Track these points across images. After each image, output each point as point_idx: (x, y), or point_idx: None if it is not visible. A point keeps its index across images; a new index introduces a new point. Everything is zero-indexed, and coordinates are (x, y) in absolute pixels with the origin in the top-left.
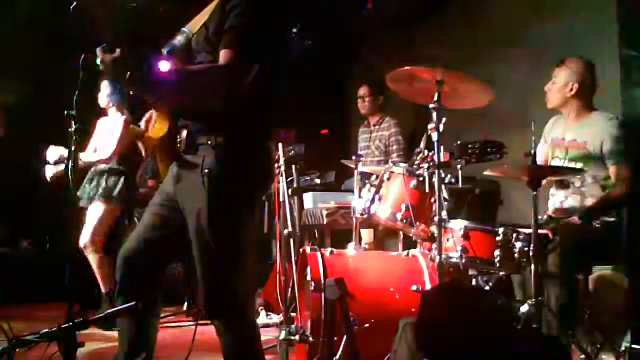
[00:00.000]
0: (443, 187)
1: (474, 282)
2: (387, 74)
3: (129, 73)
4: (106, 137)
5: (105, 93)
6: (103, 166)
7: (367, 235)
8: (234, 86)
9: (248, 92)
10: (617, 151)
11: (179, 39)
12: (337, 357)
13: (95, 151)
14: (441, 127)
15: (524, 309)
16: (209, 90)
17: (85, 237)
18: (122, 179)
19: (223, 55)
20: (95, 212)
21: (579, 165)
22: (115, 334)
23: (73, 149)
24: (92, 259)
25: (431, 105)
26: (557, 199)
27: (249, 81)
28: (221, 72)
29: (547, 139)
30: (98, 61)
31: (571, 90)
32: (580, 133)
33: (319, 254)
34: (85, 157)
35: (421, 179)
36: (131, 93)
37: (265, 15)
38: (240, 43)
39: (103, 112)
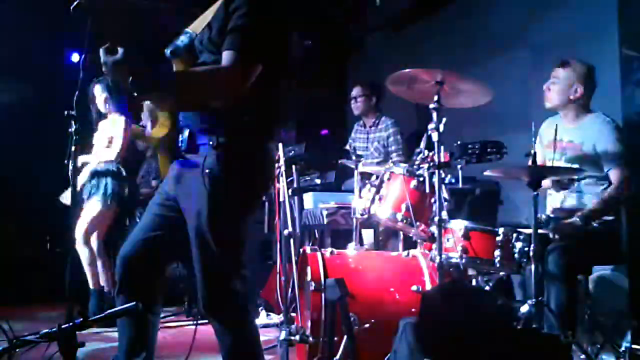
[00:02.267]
0: (443, 187)
1: (474, 282)
2: (387, 76)
3: (131, 75)
4: (104, 138)
5: (101, 98)
6: (103, 168)
7: (367, 235)
8: (236, 88)
9: (249, 92)
10: (615, 154)
11: (182, 39)
12: (337, 357)
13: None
14: (441, 127)
15: (524, 309)
16: (211, 92)
17: (78, 230)
18: (121, 183)
19: (225, 56)
20: (91, 208)
21: (576, 166)
22: (115, 334)
23: (73, 149)
24: (82, 252)
25: (431, 105)
26: (556, 199)
27: (251, 82)
28: (223, 73)
29: (543, 139)
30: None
31: (576, 91)
32: (577, 134)
33: (319, 254)
34: (88, 158)
35: (421, 179)
36: (134, 94)
37: (268, 16)
38: (242, 44)
39: (104, 116)
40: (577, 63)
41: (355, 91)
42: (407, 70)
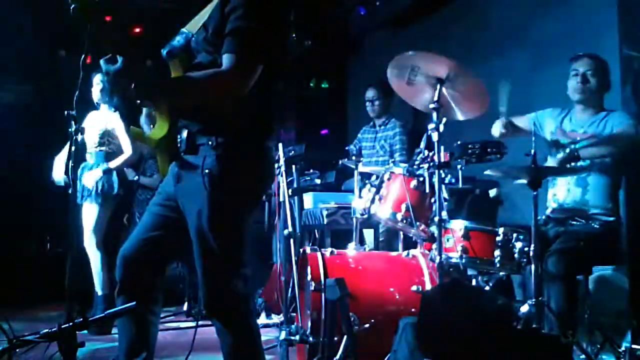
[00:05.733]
0: (443, 187)
1: (474, 282)
2: (390, 61)
3: (133, 84)
4: (95, 132)
5: (97, 87)
6: (95, 164)
7: (367, 235)
8: (238, 91)
9: (249, 92)
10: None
11: (178, 39)
12: (337, 357)
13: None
14: (441, 127)
15: (524, 309)
16: (212, 96)
17: (86, 238)
18: (115, 178)
19: (225, 60)
20: (90, 212)
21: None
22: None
23: (73, 149)
24: (94, 257)
25: (431, 105)
26: (560, 191)
27: (252, 84)
28: (224, 77)
29: (544, 127)
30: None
31: (609, 86)
32: (591, 127)
33: (319, 254)
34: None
35: (421, 179)
36: (137, 102)
37: (266, 16)
38: (241, 47)
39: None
40: (602, 58)
41: (371, 94)
42: (411, 52)
